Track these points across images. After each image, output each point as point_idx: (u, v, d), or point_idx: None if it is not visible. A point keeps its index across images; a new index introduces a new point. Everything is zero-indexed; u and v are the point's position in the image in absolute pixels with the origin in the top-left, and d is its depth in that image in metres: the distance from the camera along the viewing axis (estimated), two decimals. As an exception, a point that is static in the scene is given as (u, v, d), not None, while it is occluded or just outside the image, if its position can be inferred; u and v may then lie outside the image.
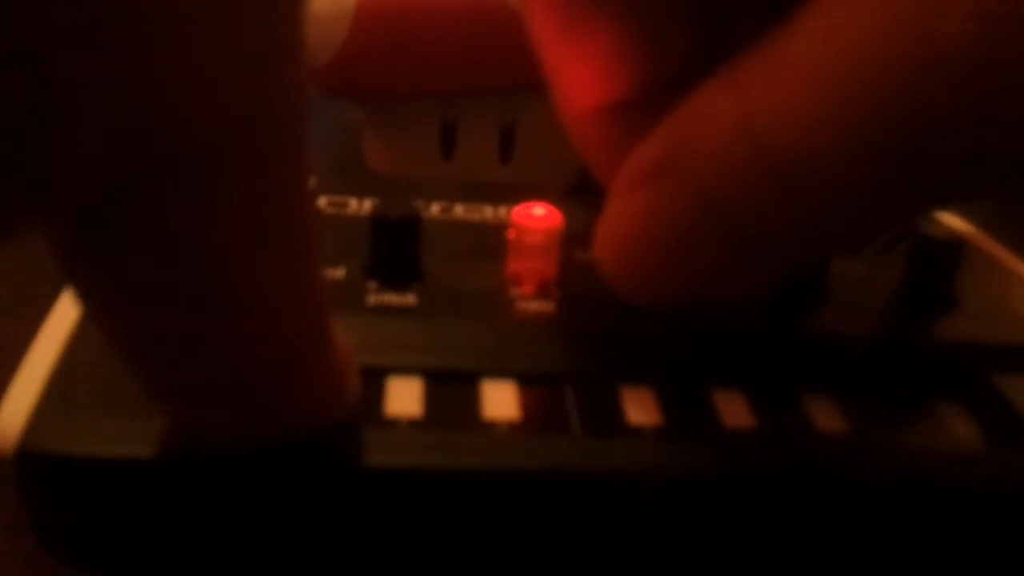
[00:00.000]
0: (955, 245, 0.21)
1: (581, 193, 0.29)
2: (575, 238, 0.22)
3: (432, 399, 0.17)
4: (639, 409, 0.17)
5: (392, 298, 0.20)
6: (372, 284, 0.20)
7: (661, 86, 0.17)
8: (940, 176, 0.13)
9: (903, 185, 0.13)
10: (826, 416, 0.18)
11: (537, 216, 0.20)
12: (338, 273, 0.20)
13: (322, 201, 0.23)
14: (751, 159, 0.14)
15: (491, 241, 0.22)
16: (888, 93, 0.12)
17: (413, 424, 0.17)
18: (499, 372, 0.18)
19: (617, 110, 0.17)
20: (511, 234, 0.21)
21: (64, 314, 0.18)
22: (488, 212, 0.24)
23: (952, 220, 0.25)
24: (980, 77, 0.12)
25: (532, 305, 0.20)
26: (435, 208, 0.24)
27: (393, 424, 0.17)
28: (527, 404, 0.17)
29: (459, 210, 0.24)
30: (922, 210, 0.15)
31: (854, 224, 0.14)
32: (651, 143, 0.16)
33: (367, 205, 0.23)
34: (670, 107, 0.16)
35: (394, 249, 0.20)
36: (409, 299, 0.20)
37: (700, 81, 0.16)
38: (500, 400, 0.17)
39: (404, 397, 0.17)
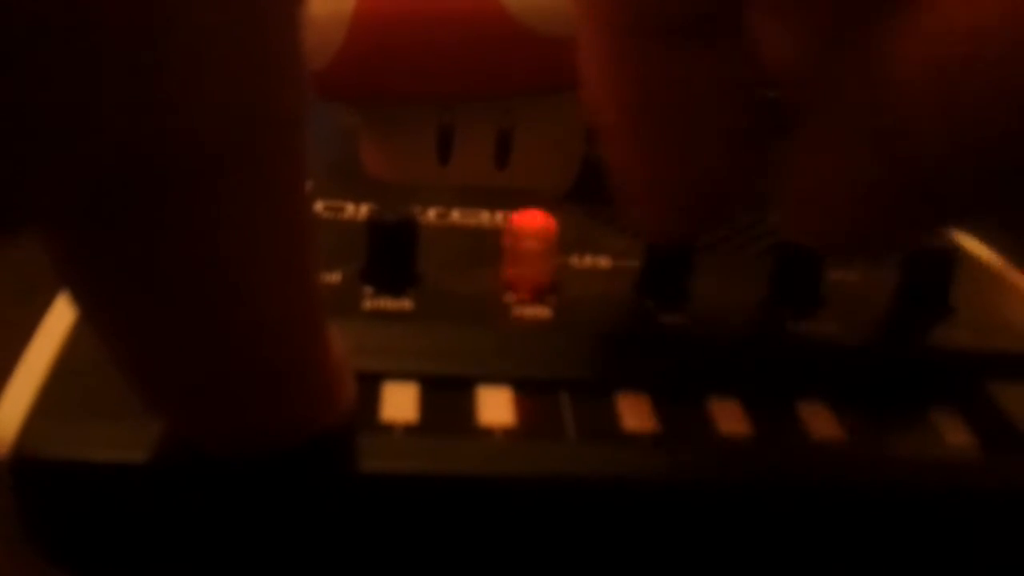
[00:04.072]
0: (950, 253, 0.21)
1: (577, 199, 0.29)
2: (570, 244, 0.22)
3: (427, 404, 0.17)
4: (634, 416, 0.17)
5: (388, 303, 0.20)
6: (368, 289, 0.20)
7: (691, 21, 0.17)
8: None
9: None
10: (822, 423, 0.18)
11: (533, 222, 0.20)
12: (334, 278, 0.20)
13: (318, 205, 0.23)
14: (919, 86, 0.14)
15: (487, 246, 0.22)
16: None
17: (408, 430, 0.17)
18: (494, 378, 0.18)
19: (641, 40, 0.17)
20: (507, 240, 0.21)
21: (60, 318, 0.18)
22: (484, 217, 0.24)
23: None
24: None
25: (527, 311, 0.20)
26: (431, 213, 0.24)
27: (388, 430, 0.17)
28: (522, 410, 0.17)
29: (455, 215, 0.24)
30: None
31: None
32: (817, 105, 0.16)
33: (363, 210, 0.23)
34: (698, 44, 0.16)
35: (390, 254, 0.20)
36: (405, 304, 0.20)
37: (731, 21, 0.16)
38: (495, 406, 0.17)
39: (399, 402, 0.17)
